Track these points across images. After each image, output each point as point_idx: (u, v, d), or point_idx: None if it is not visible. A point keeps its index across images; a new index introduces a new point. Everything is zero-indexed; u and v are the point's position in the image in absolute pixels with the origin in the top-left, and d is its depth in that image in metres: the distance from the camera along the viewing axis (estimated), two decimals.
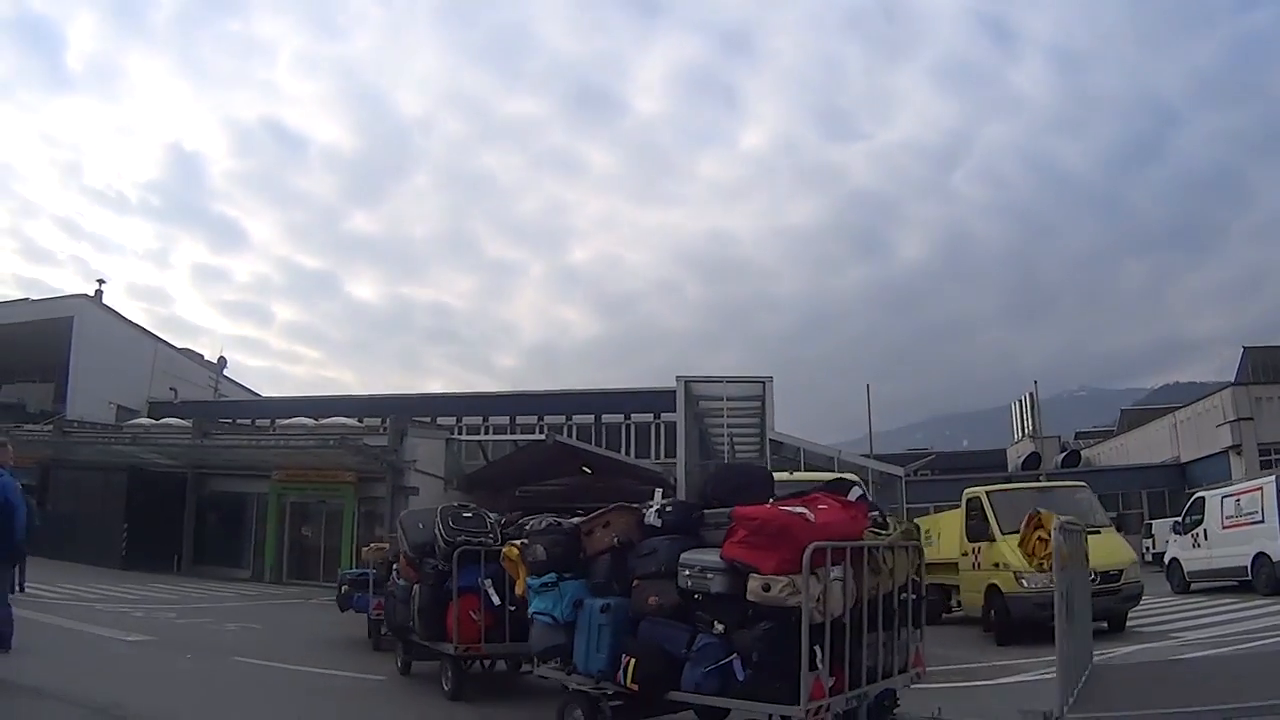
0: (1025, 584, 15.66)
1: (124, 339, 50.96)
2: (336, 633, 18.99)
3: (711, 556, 7.25)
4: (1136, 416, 69.78)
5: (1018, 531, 16.50)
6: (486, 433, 46.67)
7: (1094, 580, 15.67)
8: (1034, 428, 69.31)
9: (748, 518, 7.12)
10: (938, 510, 25.05)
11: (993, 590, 16.81)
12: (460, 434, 43.16)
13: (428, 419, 42.13)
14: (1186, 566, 24.50)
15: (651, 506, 8.29)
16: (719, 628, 7.11)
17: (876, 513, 8.21)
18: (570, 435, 41.77)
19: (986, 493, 18.35)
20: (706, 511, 7.87)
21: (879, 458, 44.88)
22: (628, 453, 45.22)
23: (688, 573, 7.37)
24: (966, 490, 19.42)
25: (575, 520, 8.95)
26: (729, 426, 44.85)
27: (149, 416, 44.74)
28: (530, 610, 8.82)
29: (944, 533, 20.93)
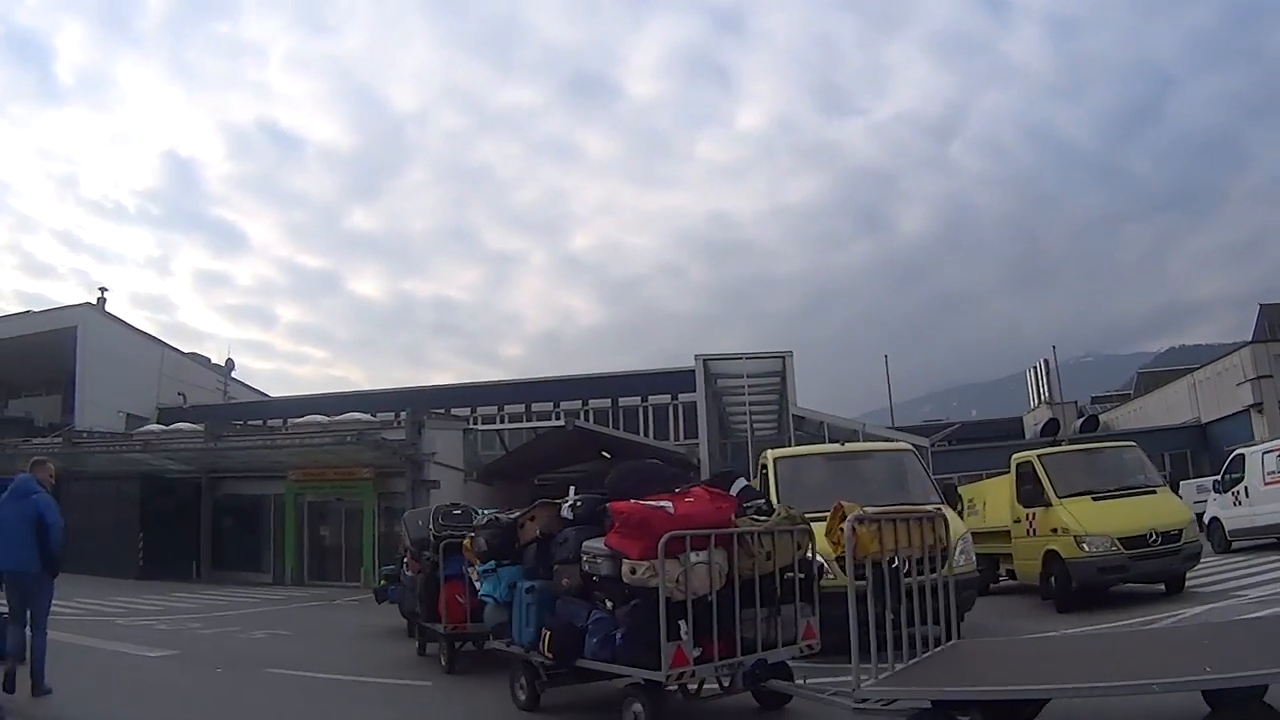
0: (1087, 548, 15.04)
1: (129, 346, 50.09)
2: (369, 634, 18.48)
3: (602, 545, 8.44)
4: (1153, 379, 69.02)
5: (1077, 495, 16.24)
6: (502, 422, 45.89)
7: (1154, 540, 15.24)
8: (1050, 394, 68.69)
9: (619, 511, 8.40)
10: (964, 481, 24.20)
11: (1051, 556, 16.02)
12: (476, 424, 42.39)
13: (442, 411, 41.38)
14: (1228, 525, 23.80)
15: (567, 502, 9.58)
16: (608, 605, 8.41)
17: (761, 500, 9.52)
18: (588, 420, 40.94)
19: (1038, 456, 17.56)
20: (609, 505, 8.74)
21: (899, 429, 44.26)
22: (646, 435, 44.53)
23: (586, 559, 8.66)
24: (1015, 456, 18.61)
25: (514, 515, 10.53)
26: (750, 404, 44.21)
27: (159, 423, 43.90)
28: (479, 593, 10.79)
29: (989, 501, 20.12)
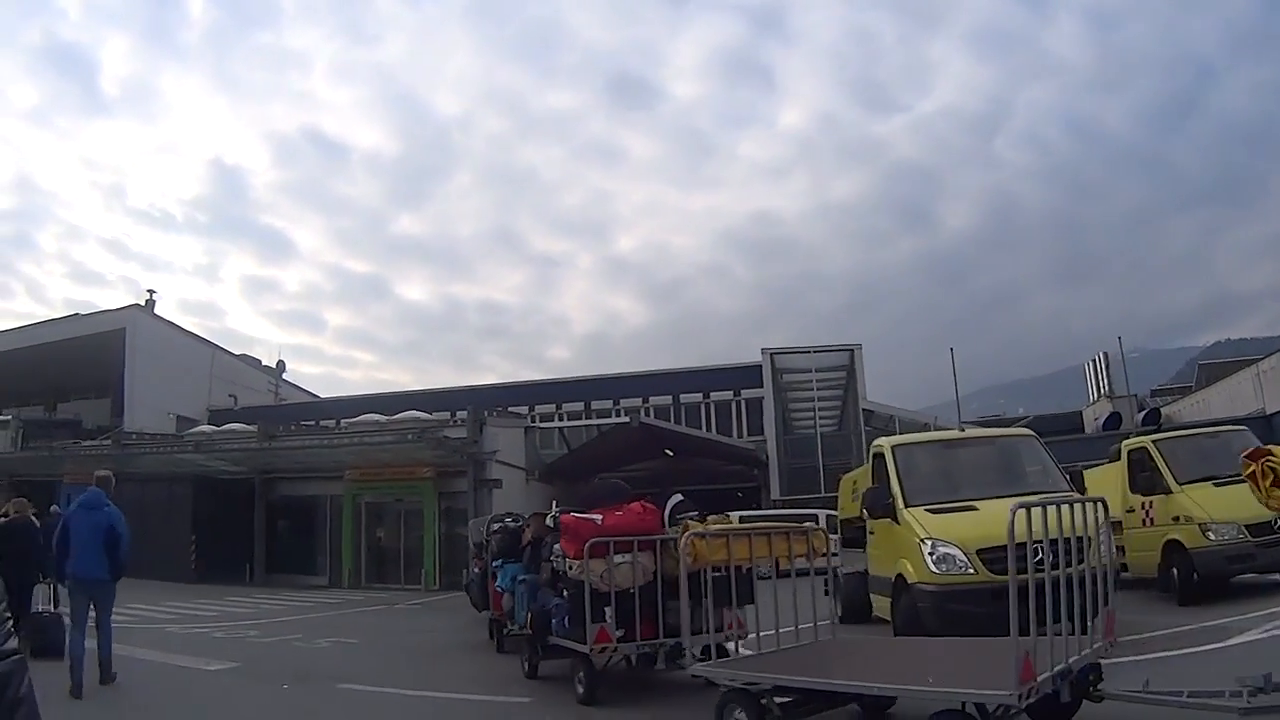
0: (1213, 536, 14.11)
1: (179, 348, 48.81)
2: (443, 641, 17.07)
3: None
4: (1214, 371, 66.16)
5: (1197, 481, 15.12)
6: (560, 420, 44.10)
7: (1278, 527, 14.10)
8: (1111, 388, 66.02)
9: (563, 522, 10.78)
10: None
11: (1172, 547, 14.94)
12: (536, 423, 40.62)
13: (500, 409, 39.64)
14: None
15: (551, 513, 12.06)
16: (564, 594, 10.58)
17: (694, 513, 10.55)
18: (649, 417, 39.00)
19: (1154, 442, 16.56)
20: (560, 517, 11.19)
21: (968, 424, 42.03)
22: (708, 432, 42.51)
23: (554, 559, 11.01)
24: (1125, 442, 17.59)
25: (518, 523, 14.27)
26: (818, 398, 42.29)
27: (210, 424, 42.45)
28: (496, 585, 13.97)
29: (1091, 491, 18.08)
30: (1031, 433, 15.06)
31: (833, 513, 33.81)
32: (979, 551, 10.58)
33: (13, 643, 2.01)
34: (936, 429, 39.00)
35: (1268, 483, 8.33)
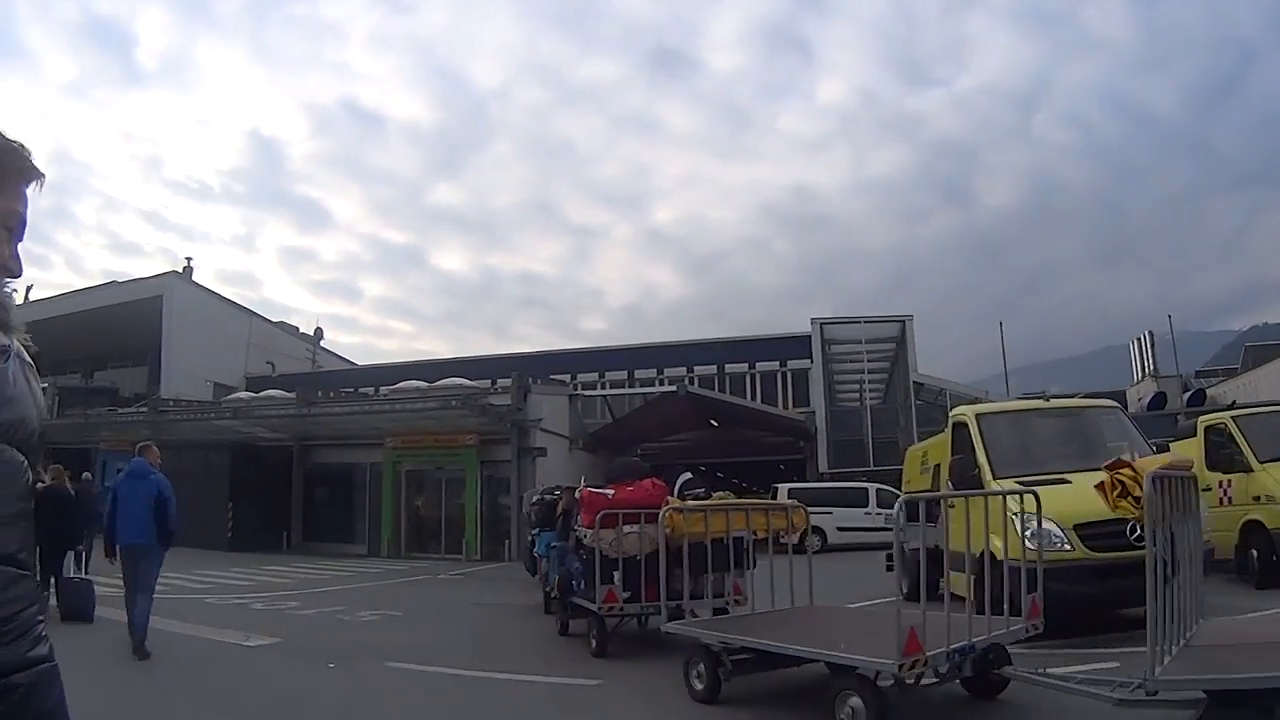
0: None
1: (217, 315, 47.92)
2: (493, 614, 16.27)
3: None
4: (1264, 353, 64.25)
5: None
6: (603, 389, 42.91)
7: None
8: (1156, 367, 64.43)
9: (582, 495, 12.35)
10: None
11: (1252, 527, 14.23)
12: (580, 390, 39.50)
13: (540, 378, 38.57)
14: None
15: (579, 487, 13.48)
16: (584, 559, 11.85)
17: (701, 489, 11.96)
18: (695, 387, 37.75)
19: (1234, 418, 15.85)
20: (580, 491, 12.86)
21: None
22: (757, 402, 41.24)
23: (576, 528, 12.30)
24: (1202, 418, 16.84)
25: (553, 495, 15.55)
26: (874, 369, 40.99)
27: (247, 391, 41.54)
28: (535, 551, 15.92)
29: None
30: (1116, 404, 14.89)
31: (883, 486, 32.89)
32: (1076, 527, 10.37)
33: (43, 648, 1.68)
34: (987, 402, 37.73)
35: (1115, 494, 8.16)
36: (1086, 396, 37.77)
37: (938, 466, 15.42)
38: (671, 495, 11.39)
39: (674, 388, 34.51)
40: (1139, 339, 69.52)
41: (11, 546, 1.64)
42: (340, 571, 25.21)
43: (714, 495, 11.89)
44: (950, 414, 14.59)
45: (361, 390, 44.27)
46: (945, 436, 14.71)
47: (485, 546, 30.23)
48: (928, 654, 6.47)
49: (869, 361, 40.77)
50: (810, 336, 42.17)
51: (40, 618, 1.72)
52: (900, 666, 6.38)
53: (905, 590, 12.69)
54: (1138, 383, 73.30)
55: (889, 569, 14.78)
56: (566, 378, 40.68)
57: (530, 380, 31.79)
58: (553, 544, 14.16)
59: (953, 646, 6.78)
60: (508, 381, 32.41)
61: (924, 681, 7.16)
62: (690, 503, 10.83)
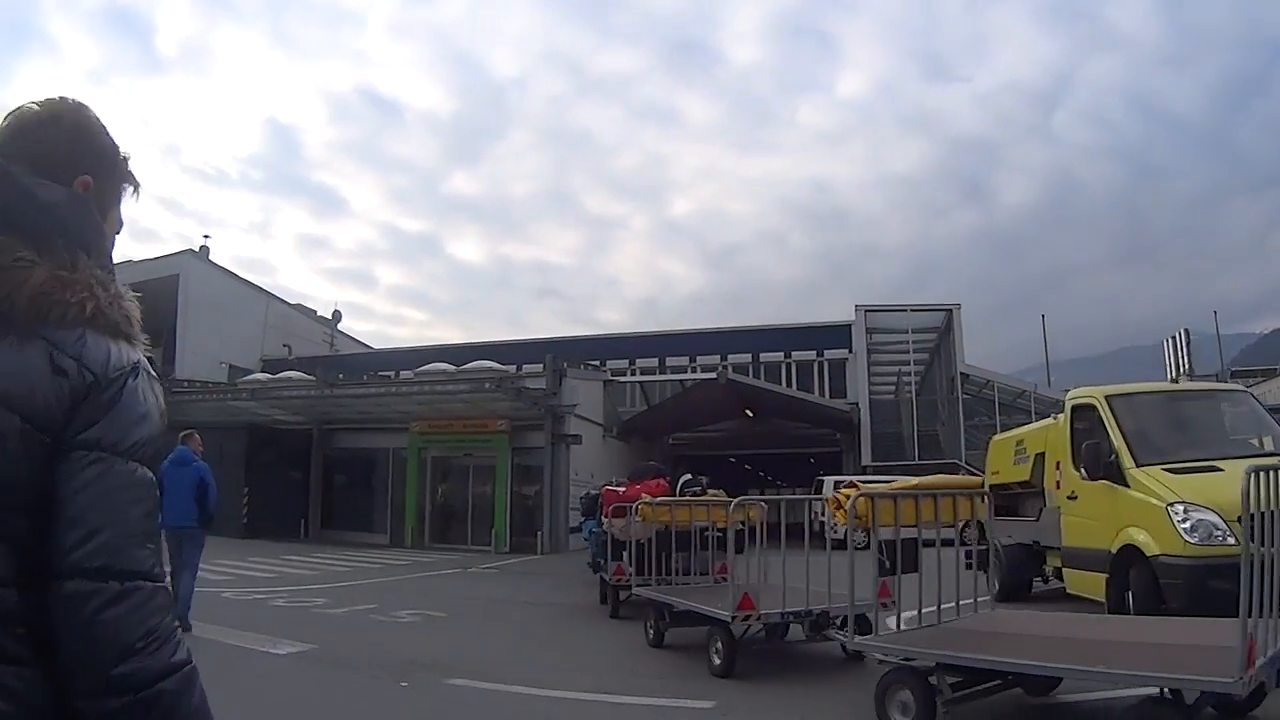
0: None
1: (234, 295, 45.81)
2: (548, 616, 14.65)
3: None
4: None
5: None
6: (633, 376, 40.75)
7: None
8: (1191, 367, 62.65)
9: (605, 492, 15.12)
10: None
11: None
12: (616, 377, 37.44)
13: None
14: None
15: (615, 483, 16.15)
16: (602, 542, 14.57)
17: (698, 487, 14.07)
18: (735, 374, 35.63)
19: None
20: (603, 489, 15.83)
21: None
22: (800, 391, 39.14)
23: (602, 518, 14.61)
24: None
25: (595, 491, 16.85)
26: (914, 360, 38.88)
27: (264, 373, 39.46)
28: (583, 537, 17.76)
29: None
30: (1245, 389, 14.48)
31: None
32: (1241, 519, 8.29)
33: (183, 652, 1.60)
34: (1035, 396, 35.74)
35: (833, 506, 8.56)
36: None
37: (1040, 455, 13.89)
38: (675, 491, 14.14)
39: (714, 374, 32.34)
40: (1174, 338, 67.64)
41: (149, 563, 1.59)
42: (364, 563, 23.24)
43: (708, 493, 13.91)
44: (1067, 396, 13.13)
45: (381, 374, 42.15)
46: (1052, 423, 13.69)
47: (515, 538, 28.24)
48: (1256, 667, 5.21)
49: (906, 354, 38.71)
50: (849, 326, 40.14)
51: (176, 623, 1.62)
52: (1243, 683, 5.10)
53: (996, 590, 11.43)
54: (1172, 381, 71.42)
55: (969, 567, 13.32)
56: (596, 364, 38.60)
57: (566, 364, 29.73)
58: (593, 530, 15.98)
59: (1270, 655, 5.38)
60: (535, 366, 30.41)
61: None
62: (660, 497, 13.32)
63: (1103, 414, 11.39)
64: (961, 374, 35.01)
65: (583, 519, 17.63)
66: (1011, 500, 14.92)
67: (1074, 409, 12.42)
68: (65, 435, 1.56)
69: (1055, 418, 13.77)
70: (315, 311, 53.03)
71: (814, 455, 46.23)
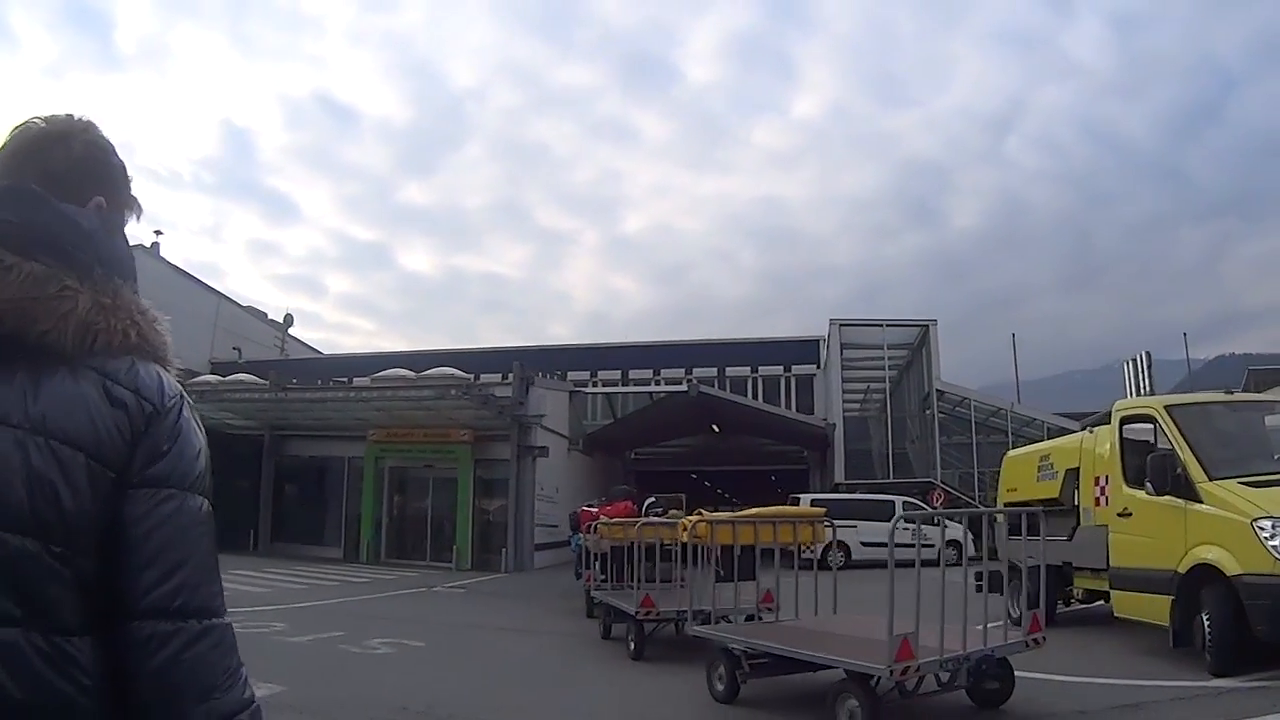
0: None
1: (182, 294, 43.40)
2: (542, 646, 13.14)
3: None
4: (1267, 376, 62.38)
5: None
6: (594, 388, 39.15)
7: None
8: (1151, 388, 62.63)
9: (583, 511, 17.94)
10: None
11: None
12: (585, 388, 35.91)
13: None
14: None
15: (595, 503, 18.32)
16: (578, 554, 17.50)
17: (660, 509, 15.69)
18: (712, 387, 34.18)
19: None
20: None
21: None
22: (778, 406, 37.84)
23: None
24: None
25: (580, 510, 18.72)
26: (885, 376, 37.69)
27: (214, 375, 37.36)
28: (571, 548, 19.24)
29: None
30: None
31: (908, 499, 29.73)
32: None
33: (251, 689, 1.54)
34: (1012, 414, 34.75)
35: (681, 529, 10.90)
36: (1075, 416, 35.12)
37: (1072, 471, 13.10)
38: (640, 513, 15.43)
39: (683, 388, 30.87)
40: (1135, 360, 67.51)
41: (220, 599, 1.54)
42: (319, 579, 21.55)
43: (669, 513, 15.28)
44: (1115, 407, 12.17)
45: (336, 380, 40.19)
46: (1087, 436, 12.97)
47: (478, 555, 26.60)
48: (919, 661, 6.88)
49: (876, 370, 37.57)
50: (817, 341, 38.97)
51: (242, 661, 1.56)
52: (891, 672, 6.72)
53: (1017, 614, 10.56)
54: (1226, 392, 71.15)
55: (979, 589, 13.17)
56: (558, 375, 36.99)
57: (534, 373, 28.18)
58: (579, 543, 17.31)
59: (946, 656, 7.06)
60: (492, 376, 28.85)
61: (926, 689, 7.59)
62: (619, 518, 14.84)
63: (1165, 425, 10.59)
64: (937, 391, 33.88)
65: (572, 533, 19.15)
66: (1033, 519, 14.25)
67: (1124, 420, 11.58)
68: (131, 470, 1.50)
69: (1091, 431, 13.08)
70: (266, 314, 50.92)
71: (775, 472, 45.07)
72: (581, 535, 16.47)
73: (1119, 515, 11.16)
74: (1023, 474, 15.50)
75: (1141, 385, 66.97)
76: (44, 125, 1.65)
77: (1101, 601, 12.47)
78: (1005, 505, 15.97)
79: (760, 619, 10.52)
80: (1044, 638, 8.13)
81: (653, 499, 16.71)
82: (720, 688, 8.61)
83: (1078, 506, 12.76)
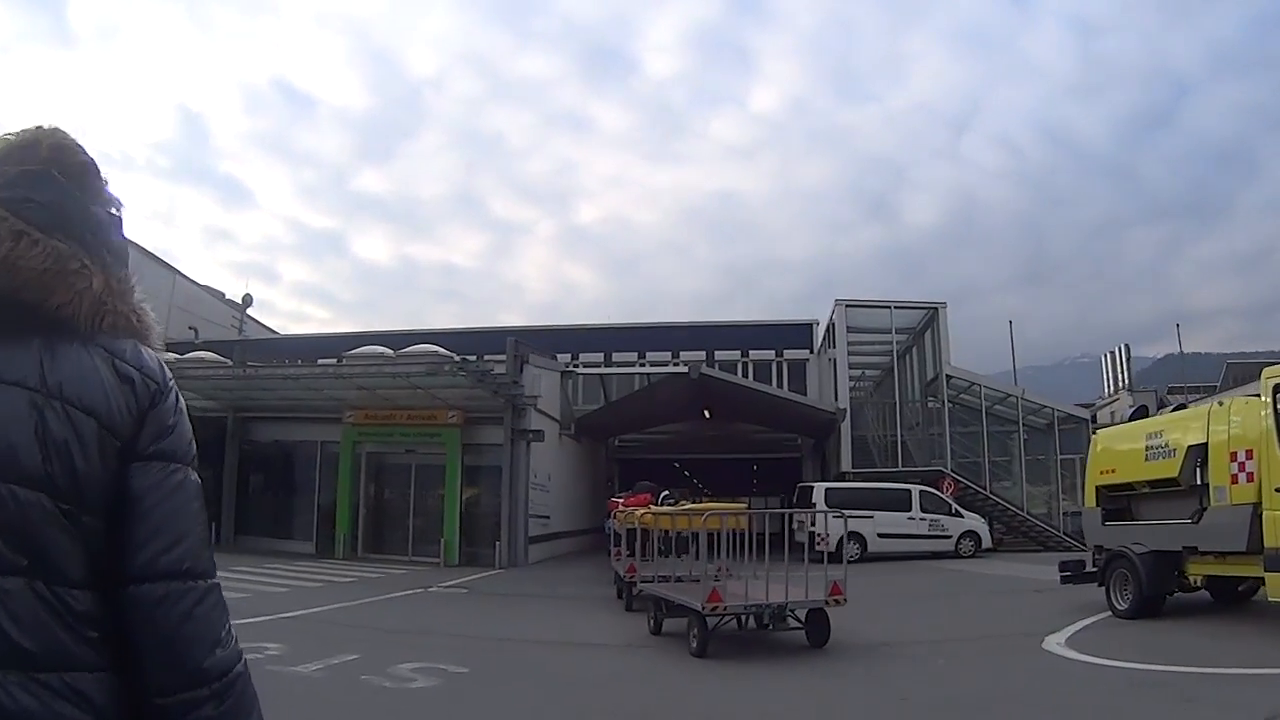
0: None
1: (136, 267, 39.23)
2: (593, 656, 11.12)
3: None
4: (1243, 371, 61.75)
5: None
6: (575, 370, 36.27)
7: None
8: (1130, 382, 61.63)
9: (609, 502, 21.20)
10: None
11: None
12: (574, 369, 33.04)
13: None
14: None
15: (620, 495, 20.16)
16: (608, 536, 19.18)
17: (672, 500, 16.97)
18: (711, 368, 31.39)
19: None
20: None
21: None
22: (782, 390, 35.22)
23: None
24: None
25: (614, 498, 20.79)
26: (882, 361, 35.11)
27: (171, 353, 33.85)
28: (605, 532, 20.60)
29: None
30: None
31: (925, 489, 27.38)
32: None
33: (239, 643, 1.63)
34: (1023, 400, 32.59)
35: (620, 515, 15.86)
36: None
37: (1197, 448, 12.02)
38: (655, 502, 16.68)
39: (683, 369, 28.00)
40: (1113, 353, 66.55)
41: (213, 563, 1.60)
42: (297, 579, 18.62)
43: (679, 503, 16.43)
44: (1265, 375, 11.18)
45: (302, 362, 36.82)
46: (1215, 408, 12.25)
47: (466, 549, 23.64)
48: (726, 605, 10.42)
49: (880, 354, 35.01)
50: (810, 325, 36.47)
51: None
52: (703, 608, 10.19)
53: (1127, 605, 12.51)
54: (1109, 398, 70.60)
55: (1063, 579, 14.46)
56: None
57: (529, 350, 25.20)
58: (608, 528, 19.23)
59: (750, 604, 10.66)
60: (468, 357, 25.93)
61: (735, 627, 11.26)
62: (635, 508, 16.16)
63: None
64: (946, 375, 31.39)
65: (607, 516, 20.22)
66: (1135, 503, 13.75)
67: (1278, 388, 10.72)
68: (139, 444, 1.56)
69: (1220, 402, 12.54)
70: (224, 294, 47.30)
71: (757, 462, 42.67)
72: (612, 520, 18.30)
73: (1278, 490, 10.36)
74: (1121, 455, 14.20)
75: (1120, 378, 65.89)
76: (13, 137, 1.64)
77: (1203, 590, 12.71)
78: (1102, 488, 14.60)
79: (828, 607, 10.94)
80: (844, 599, 10.73)
81: (666, 492, 18.11)
82: (651, 624, 12.12)
83: (1205, 485, 11.76)
